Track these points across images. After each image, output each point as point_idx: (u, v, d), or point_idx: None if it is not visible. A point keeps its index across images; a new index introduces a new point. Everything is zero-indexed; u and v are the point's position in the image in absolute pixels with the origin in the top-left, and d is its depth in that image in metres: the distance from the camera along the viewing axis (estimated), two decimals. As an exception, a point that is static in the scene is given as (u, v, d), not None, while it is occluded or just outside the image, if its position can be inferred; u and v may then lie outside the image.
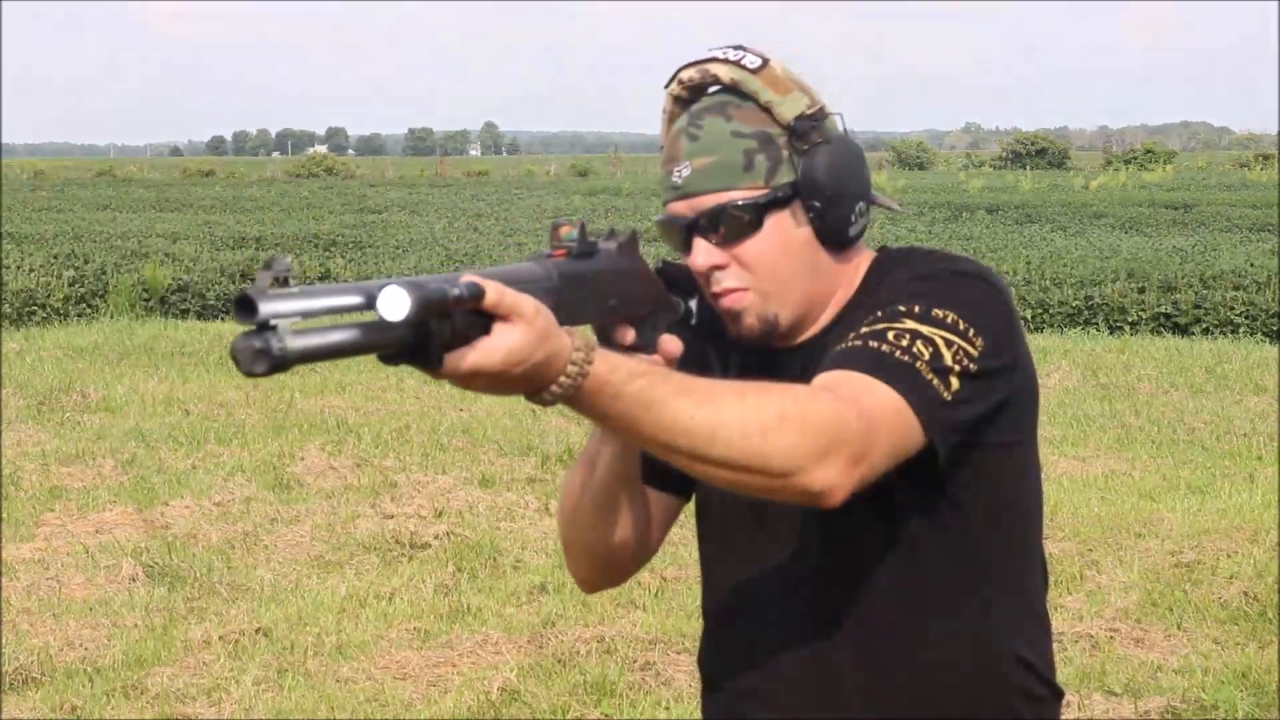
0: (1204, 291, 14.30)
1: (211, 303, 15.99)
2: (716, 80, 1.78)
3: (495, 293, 1.37)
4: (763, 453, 1.50)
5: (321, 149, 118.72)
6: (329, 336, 1.31)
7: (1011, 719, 1.81)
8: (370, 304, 1.32)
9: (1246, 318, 13.72)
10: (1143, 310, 14.06)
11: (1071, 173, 50.30)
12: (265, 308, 1.27)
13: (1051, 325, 14.13)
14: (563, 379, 1.42)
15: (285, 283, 1.29)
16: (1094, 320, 14.16)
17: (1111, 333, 13.79)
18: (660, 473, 1.87)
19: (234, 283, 16.40)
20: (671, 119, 1.82)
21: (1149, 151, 59.33)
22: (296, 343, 1.28)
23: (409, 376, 10.56)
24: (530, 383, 1.42)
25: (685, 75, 1.80)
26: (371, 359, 1.38)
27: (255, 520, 6.93)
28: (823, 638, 1.80)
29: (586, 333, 1.51)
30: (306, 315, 1.29)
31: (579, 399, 1.44)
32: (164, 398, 10.01)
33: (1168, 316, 14.01)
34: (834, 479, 1.53)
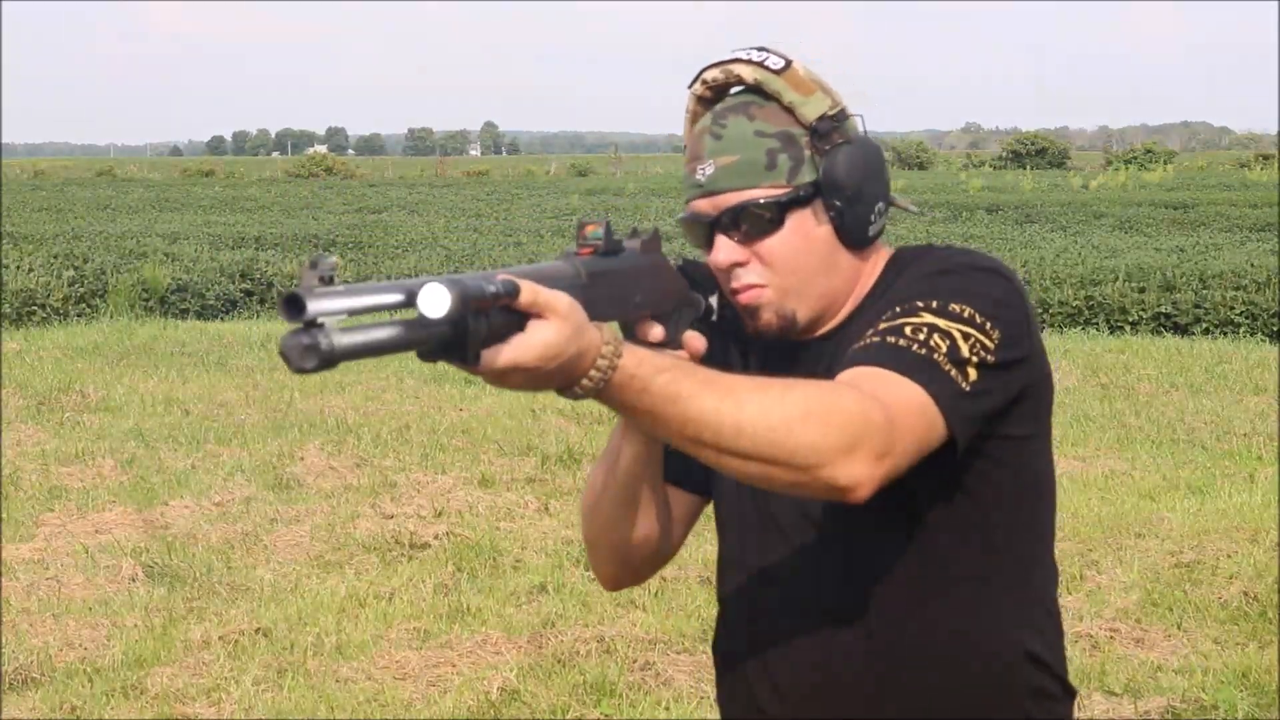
0: (1204, 291, 14.31)
1: (211, 303, 15.98)
2: (740, 80, 1.80)
3: (530, 290, 1.40)
4: (788, 446, 1.51)
5: (321, 149, 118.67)
6: (373, 333, 1.32)
7: (1022, 716, 1.81)
8: (411, 301, 1.34)
9: (1246, 317, 13.73)
10: (1143, 310, 14.06)
11: (1071, 173, 50.25)
12: (313, 305, 1.29)
13: (1051, 325, 14.13)
14: (593, 373, 1.45)
15: (330, 281, 1.30)
16: (1094, 320, 14.16)
17: (1111, 333, 13.79)
18: (682, 471, 1.89)
19: (234, 283, 16.40)
20: (695, 119, 1.84)
21: (1149, 151, 59.34)
22: (343, 339, 1.30)
23: (408, 376, 10.55)
24: (563, 377, 1.44)
25: (709, 75, 1.82)
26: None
27: (255, 520, 6.93)
28: (834, 626, 1.81)
29: (614, 328, 1.53)
30: (352, 313, 1.31)
31: (608, 393, 1.47)
32: (164, 398, 10.00)
33: (1168, 316, 14.02)
34: (860, 473, 1.54)
